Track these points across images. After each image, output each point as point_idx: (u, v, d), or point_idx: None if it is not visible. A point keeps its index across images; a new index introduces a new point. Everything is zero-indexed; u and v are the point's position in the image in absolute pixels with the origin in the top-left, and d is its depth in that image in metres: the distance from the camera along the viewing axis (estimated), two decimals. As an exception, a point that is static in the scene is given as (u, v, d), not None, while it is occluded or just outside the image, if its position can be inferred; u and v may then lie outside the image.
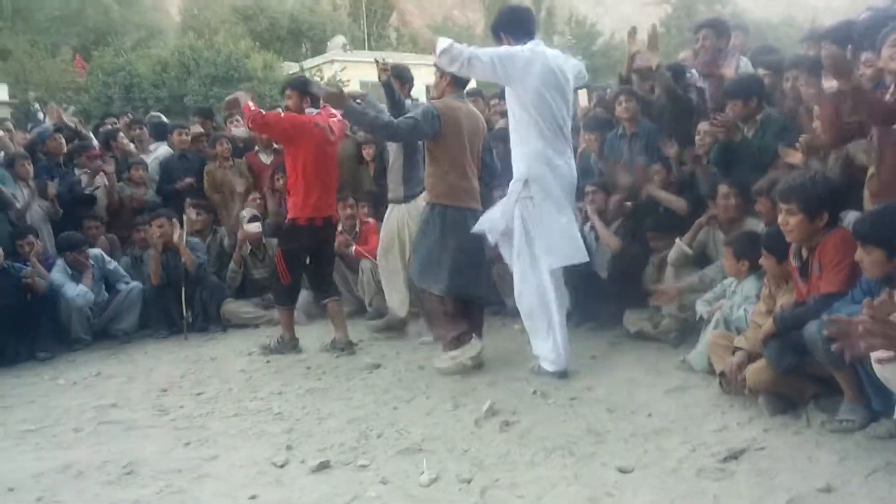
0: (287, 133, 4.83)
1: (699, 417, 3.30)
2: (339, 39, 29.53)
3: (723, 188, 4.35)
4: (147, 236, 6.07)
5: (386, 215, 5.29)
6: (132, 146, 7.23)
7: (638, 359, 4.34)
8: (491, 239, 4.18)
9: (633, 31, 5.38)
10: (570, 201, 4.12)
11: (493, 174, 5.11)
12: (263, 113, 4.83)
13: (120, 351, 5.60)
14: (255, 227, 6.07)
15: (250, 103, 4.87)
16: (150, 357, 5.35)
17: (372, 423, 3.54)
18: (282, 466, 3.11)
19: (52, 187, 6.24)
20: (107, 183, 6.53)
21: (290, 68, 23.06)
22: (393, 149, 5.18)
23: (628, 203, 5.07)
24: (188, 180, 6.70)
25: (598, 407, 3.55)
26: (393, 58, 33.01)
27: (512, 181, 4.05)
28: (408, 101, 5.12)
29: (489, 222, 4.12)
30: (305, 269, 5.10)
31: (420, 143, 4.68)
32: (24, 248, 5.59)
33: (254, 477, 3.03)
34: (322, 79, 21.85)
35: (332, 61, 25.69)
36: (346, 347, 4.99)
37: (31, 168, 6.24)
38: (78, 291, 5.65)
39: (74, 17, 27.70)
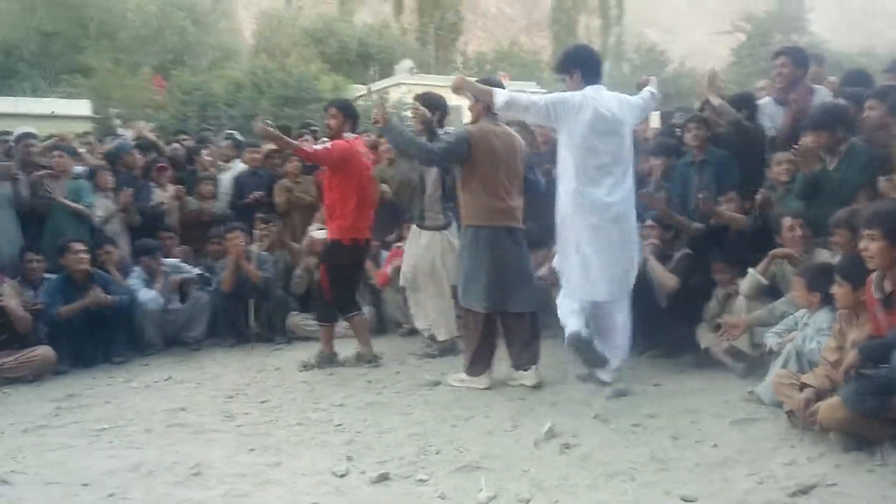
0: (337, 163, 5.03)
1: (767, 450, 3.21)
2: (407, 63, 30.02)
3: (787, 221, 4.27)
4: (227, 246, 6.25)
5: (425, 242, 5.33)
6: (209, 161, 7.53)
7: (703, 388, 4.25)
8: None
9: (713, 75, 5.39)
10: (616, 232, 4.20)
11: (538, 190, 5.04)
12: (315, 151, 5.08)
13: (190, 357, 5.79)
14: (322, 234, 6.20)
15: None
16: (217, 364, 5.51)
17: (431, 439, 3.57)
18: (342, 477, 3.16)
19: (126, 194, 6.47)
20: (172, 198, 6.77)
21: (359, 90, 23.56)
22: (431, 177, 5.25)
23: (696, 226, 4.98)
24: (256, 194, 6.92)
25: (662, 434, 3.49)
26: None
27: (562, 208, 4.26)
28: (440, 130, 5.13)
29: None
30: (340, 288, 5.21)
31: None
32: (102, 257, 5.86)
33: (315, 485, 3.09)
34: (388, 101, 22.23)
35: (398, 84, 26.11)
36: (371, 360, 5.19)
37: (111, 179, 6.55)
38: (149, 296, 5.89)
39: (154, 37, 28.94)
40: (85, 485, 3.18)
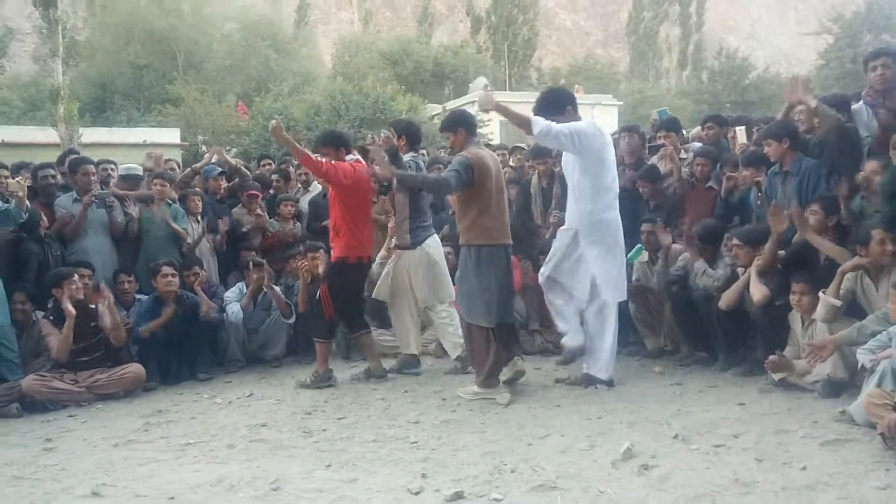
0: (342, 182, 5.15)
1: (860, 473, 3.03)
2: (481, 81, 30.24)
3: (877, 233, 4.04)
4: (293, 267, 6.39)
5: (394, 261, 5.58)
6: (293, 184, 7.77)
7: (791, 408, 4.06)
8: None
9: (794, 82, 5.21)
10: (618, 242, 4.83)
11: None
12: (321, 163, 5.12)
13: (270, 374, 5.94)
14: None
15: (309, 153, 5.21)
16: (294, 381, 5.60)
17: (506, 458, 3.53)
18: (417, 494, 3.16)
19: (225, 224, 6.78)
20: (255, 224, 7.00)
21: (434, 109, 23.86)
22: (399, 199, 5.42)
23: (782, 252, 4.77)
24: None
25: (746, 456, 3.34)
26: (533, 97, 33.23)
27: (564, 229, 4.86)
28: (408, 156, 5.42)
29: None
30: (345, 305, 5.30)
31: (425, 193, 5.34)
32: (190, 279, 6.10)
33: (390, 502, 3.11)
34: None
35: (473, 102, 26.32)
36: (381, 376, 5.34)
37: (200, 204, 6.84)
38: (232, 309, 6.13)
39: (238, 66, 30.21)
40: (171, 498, 3.29)
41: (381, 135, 5.13)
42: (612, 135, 6.70)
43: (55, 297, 5.37)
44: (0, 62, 22.34)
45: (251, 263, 6.29)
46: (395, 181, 5.20)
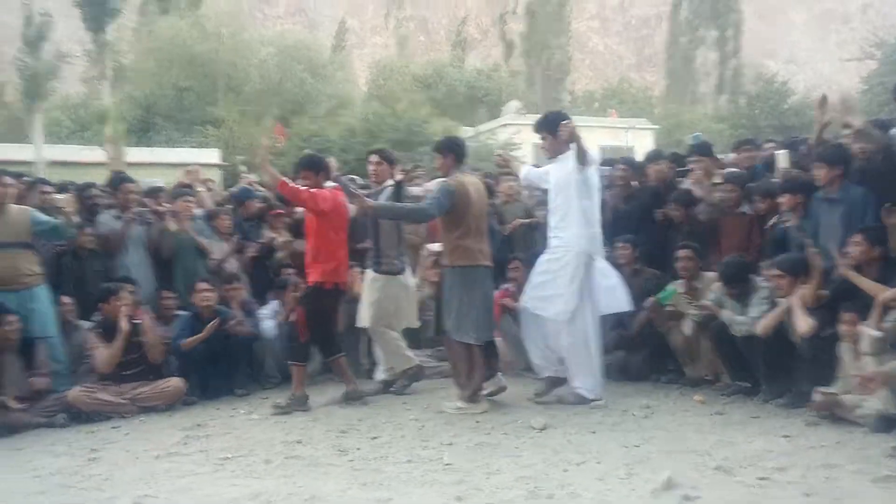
0: (320, 209, 5.21)
1: (913, 512, 2.94)
2: (514, 104, 30.36)
3: None
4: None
5: (380, 286, 5.58)
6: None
7: (840, 442, 3.96)
8: (559, 317, 4.99)
9: (823, 101, 5.14)
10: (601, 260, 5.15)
11: (494, 235, 5.90)
12: (300, 191, 5.17)
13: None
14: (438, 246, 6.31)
15: (286, 179, 5.23)
16: (331, 399, 5.64)
17: (541, 483, 3.50)
18: (452, 516, 3.15)
19: (252, 250, 6.83)
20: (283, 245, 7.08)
21: (467, 132, 24.00)
22: (386, 225, 5.54)
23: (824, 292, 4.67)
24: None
25: (793, 490, 3.26)
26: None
27: (571, 253, 4.97)
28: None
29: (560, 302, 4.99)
30: (320, 330, 5.34)
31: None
32: (230, 294, 6.20)
33: (426, 523, 3.10)
34: (496, 142, 22.50)
35: (505, 125, 26.42)
36: (359, 398, 5.39)
37: (229, 223, 6.95)
38: (266, 326, 6.22)
39: (276, 89, 30.74)
40: (209, 512, 3.33)
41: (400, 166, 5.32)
42: (642, 162, 6.74)
43: (102, 311, 5.49)
44: (51, 84, 23.04)
45: (289, 282, 6.36)
46: (374, 212, 5.25)
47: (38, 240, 5.69)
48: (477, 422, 4.75)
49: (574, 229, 4.98)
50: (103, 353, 5.39)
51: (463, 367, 5.09)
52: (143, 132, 27.42)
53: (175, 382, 5.53)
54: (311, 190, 5.23)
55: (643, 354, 5.86)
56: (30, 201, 6.00)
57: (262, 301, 6.59)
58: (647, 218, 6.25)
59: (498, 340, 5.96)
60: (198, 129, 25.79)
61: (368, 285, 5.67)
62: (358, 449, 4.26)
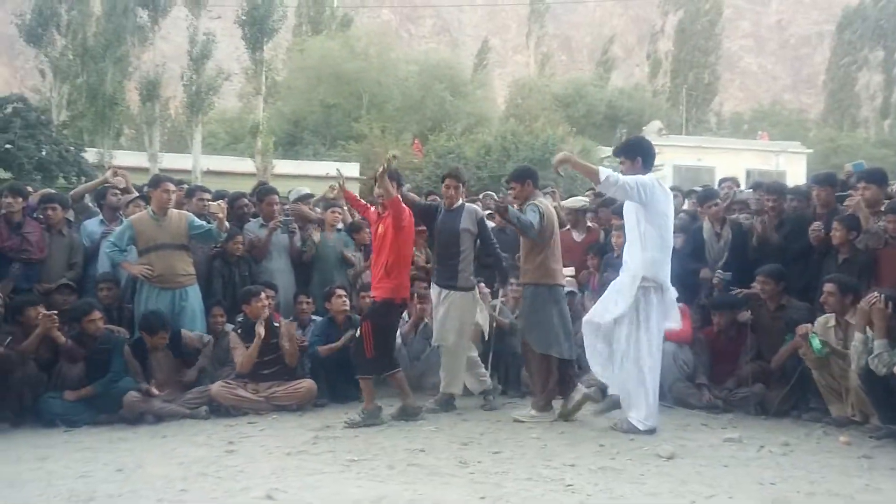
0: (403, 226, 5.32)
1: None
2: (656, 124, 29.56)
3: None
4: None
5: (456, 302, 5.59)
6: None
7: None
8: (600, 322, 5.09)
9: None
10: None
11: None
12: (403, 206, 5.32)
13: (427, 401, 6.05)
14: (570, 271, 6.29)
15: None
16: (454, 412, 5.68)
17: (667, 514, 3.35)
18: (571, 539, 3.08)
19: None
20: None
21: (605, 152, 23.61)
22: (466, 241, 5.60)
23: None
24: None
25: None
26: (711, 142, 31.57)
27: (627, 275, 5.01)
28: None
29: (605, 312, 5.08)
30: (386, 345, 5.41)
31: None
32: (365, 301, 6.41)
33: (543, 544, 3.05)
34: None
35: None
36: (416, 413, 5.40)
37: (369, 236, 7.18)
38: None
39: (416, 106, 31.70)
40: (335, 511, 3.45)
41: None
42: (804, 186, 6.32)
43: (245, 312, 5.86)
44: (211, 99, 25.01)
45: (416, 295, 6.51)
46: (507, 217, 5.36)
47: (194, 243, 6.17)
48: (601, 445, 4.62)
49: (633, 253, 5.04)
50: (242, 355, 5.73)
51: (539, 378, 5.35)
52: (290, 145, 29.14)
53: (307, 384, 5.79)
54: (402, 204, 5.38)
55: (784, 389, 5.48)
56: (188, 207, 6.53)
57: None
58: (797, 247, 5.87)
59: None
60: (341, 143, 27.02)
61: (442, 302, 5.65)
62: (479, 462, 4.26)
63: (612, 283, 5.20)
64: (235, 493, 3.70)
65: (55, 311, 5.37)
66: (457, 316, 5.60)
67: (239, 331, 5.87)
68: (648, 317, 4.95)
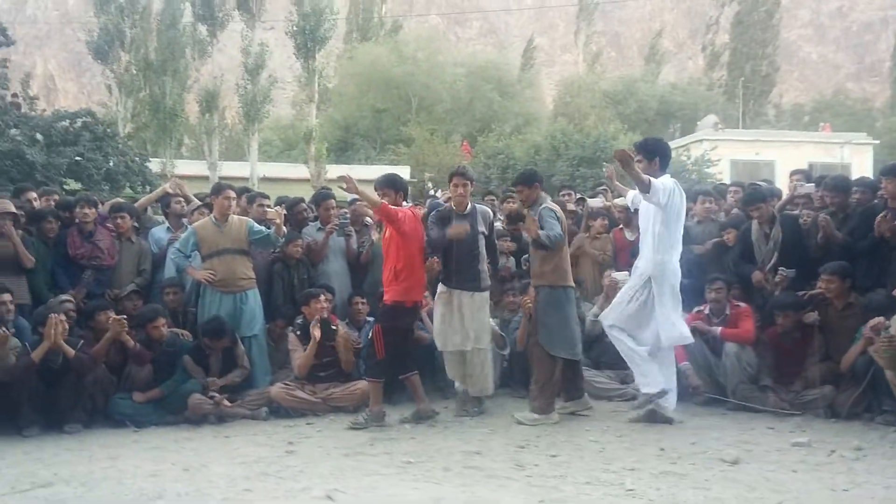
0: (404, 227, 5.29)
1: None
2: (711, 118, 28.84)
3: None
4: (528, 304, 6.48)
5: (479, 303, 5.54)
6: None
7: None
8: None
9: None
10: (677, 291, 5.18)
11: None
12: (389, 210, 5.24)
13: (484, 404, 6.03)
14: (623, 276, 6.13)
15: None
16: (508, 414, 5.60)
17: (733, 520, 3.26)
18: (633, 544, 3.03)
19: (438, 265, 7.06)
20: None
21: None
22: (482, 243, 5.54)
23: None
24: None
25: None
26: (769, 135, 30.68)
27: (637, 273, 5.25)
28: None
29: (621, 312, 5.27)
30: (395, 347, 5.37)
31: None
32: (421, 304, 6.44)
33: (604, 548, 3.00)
34: (689, 158, 21.52)
35: (700, 140, 25.18)
36: (430, 417, 5.39)
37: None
38: None
39: (465, 108, 31.78)
40: (393, 511, 3.47)
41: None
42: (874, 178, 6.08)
43: (304, 314, 5.96)
44: (266, 108, 25.59)
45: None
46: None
47: (254, 248, 6.31)
48: (662, 449, 4.53)
49: (645, 254, 5.19)
50: (300, 358, 5.83)
51: (542, 379, 5.36)
52: (341, 151, 29.55)
53: (363, 385, 5.80)
54: (400, 213, 5.36)
55: (855, 391, 5.27)
56: (250, 213, 6.68)
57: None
58: (866, 244, 5.62)
59: (685, 365, 5.68)
60: (391, 147, 27.27)
61: (478, 304, 5.55)
62: (536, 465, 4.23)
63: (628, 284, 5.35)
64: (296, 493, 3.76)
65: (125, 316, 5.58)
66: (482, 317, 5.58)
67: (298, 332, 5.97)
68: (662, 293, 5.11)
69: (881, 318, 4.95)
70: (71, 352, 5.25)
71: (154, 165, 19.19)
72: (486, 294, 5.67)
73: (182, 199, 7.08)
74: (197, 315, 6.18)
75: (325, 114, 31.63)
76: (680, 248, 5.20)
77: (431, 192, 16.81)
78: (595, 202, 7.28)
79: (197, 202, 7.03)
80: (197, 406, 5.49)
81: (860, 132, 29.32)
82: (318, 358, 5.81)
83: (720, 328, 5.73)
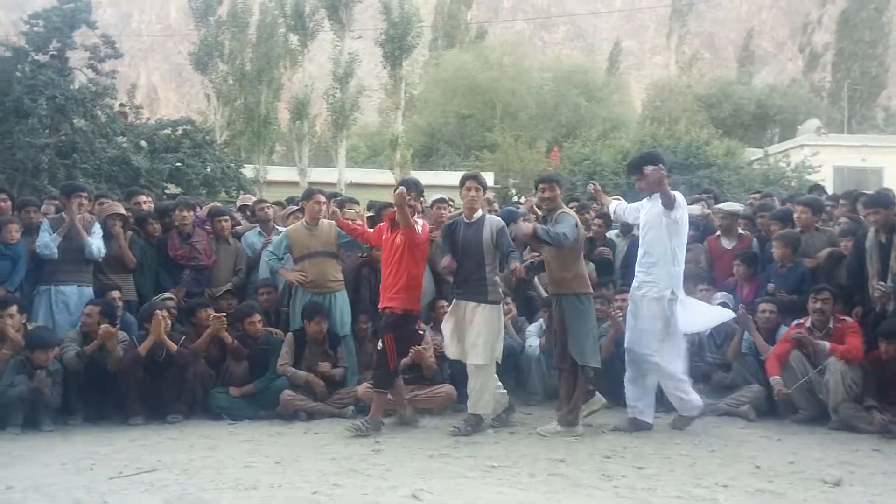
0: (419, 240, 5.40)
1: None
2: (813, 123, 27.46)
3: None
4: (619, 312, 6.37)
5: (486, 316, 5.30)
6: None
7: None
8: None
9: None
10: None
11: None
12: (418, 232, 5.35)
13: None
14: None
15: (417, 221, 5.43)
16: (592, 423, 5.51)
17: (836, 544, 3.10)
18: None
19: (518, 271, 7.03)
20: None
21: (754, 154, 22.32)
22: (492, 254, 5.35)
23: None
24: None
25: None
26: (878, 140, 28.91)
27: (653, 295, 5.22)
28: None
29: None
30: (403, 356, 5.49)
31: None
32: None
33: (696, 564, 2.91)
34: (788, 164, 20.59)
35: (801, 146, 24.03)
36: (412, 422, 5.50)
37: None
38: (532, 343, 6.43)
39: (550, 114, 31.47)
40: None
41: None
42: None
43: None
44: (353, 115, 26.21)
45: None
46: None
47: (342, 251, 6.46)
48: (757, 467, 4.36)
49: (662, 268, 5.19)
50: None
51: (569, 391, 5.29)
52: (426, 157, 29.86)
53: (447, 389, 5.88)
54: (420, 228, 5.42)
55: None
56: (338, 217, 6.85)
57: (531, 319, 6.77)
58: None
59: (776, 380, 5.44)
60: (475, 153, 27.34)
61: (485, 317, 5.30)
62: (623, 476, 4.15)
63: (637, 314, 5.30)
64: (384, 491, 3.83)
65: (224, 314, 5.85)
66: (486, 331, 5.27)
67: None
68: (671, 325, 5.20)
69: None
70: (174, 346, 5.57)
71: (248, 171, 19.96)
72: (496, 307, 5.38)
73: (265, 206, 7.38)
74: (289, 315, 6.38)
75: (410, 120, 32.05)
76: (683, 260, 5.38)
77: (515, 199, 16.78)
78: (693, 209, 7.05)
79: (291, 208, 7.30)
80: (288, 402, 5.71)
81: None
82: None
83: (828, 343, 5.44)
